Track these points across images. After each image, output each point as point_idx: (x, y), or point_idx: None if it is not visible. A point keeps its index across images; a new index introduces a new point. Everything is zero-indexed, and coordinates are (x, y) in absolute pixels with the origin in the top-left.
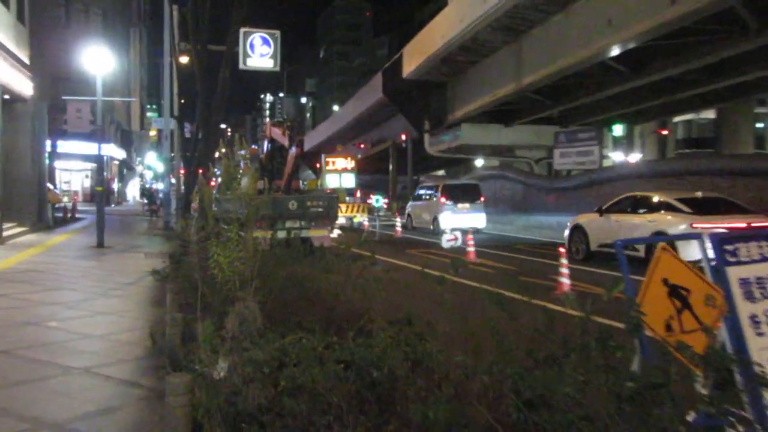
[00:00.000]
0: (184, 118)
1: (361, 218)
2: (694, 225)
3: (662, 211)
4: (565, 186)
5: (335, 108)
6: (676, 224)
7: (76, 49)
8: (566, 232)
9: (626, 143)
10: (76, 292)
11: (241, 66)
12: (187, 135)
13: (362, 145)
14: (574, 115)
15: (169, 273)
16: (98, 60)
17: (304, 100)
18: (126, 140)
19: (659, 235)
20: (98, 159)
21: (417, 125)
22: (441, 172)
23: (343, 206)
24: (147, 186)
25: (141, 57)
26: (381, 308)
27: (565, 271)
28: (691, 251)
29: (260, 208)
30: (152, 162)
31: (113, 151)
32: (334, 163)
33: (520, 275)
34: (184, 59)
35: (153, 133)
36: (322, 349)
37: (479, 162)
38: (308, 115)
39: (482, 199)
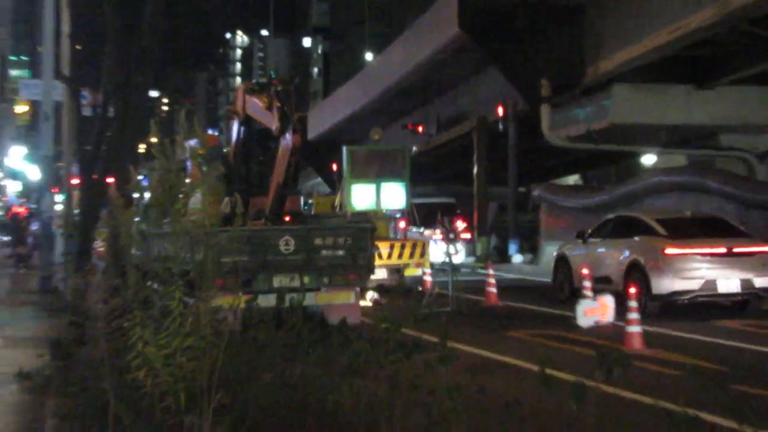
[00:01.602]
0: (81, 80)
1: (420, 269)
2: (667, 251)
3: (640, 235)
4: None
5: (368, 57)
6: (649, 251)
7: None
8: (552, 265)
9: None
10: None
11: None
12: (87, 112)
13: (420, 129)
14: None
15: (52, 378)
16: None
17: (308, 43)
18: None
19: (635, 264)
20: None
21: (525, 88)
22: (573, 179)
23: (383, 246)
24: (8, 208)
25: None
26: None
27: None
28: (669, 284)
29: (226, 252)
30: (19, 164)
31: None
32: (366, 163)
33: (732, 380)
34: None
35: (21, 108)
36: None
37: (649, 159)
38: (315, 71)
39: (461, 223)
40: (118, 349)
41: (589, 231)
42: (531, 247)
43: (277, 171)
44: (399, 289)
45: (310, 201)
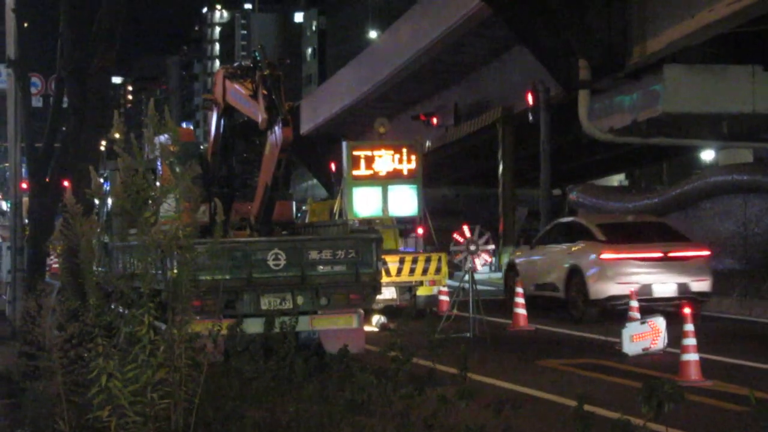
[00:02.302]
0: (30, 64)
1: (435, 288)
2: (603, 256)
3: (581, 241)
4: None
5: (372, 35)
6: (587, 256)
7: None
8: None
9: None
10: None
11: None
12: (38, 102)
13: (434, 120)
14: None
15: (0, 417)
16: None
17: (300, 18)
18: None
19: (575, 270)
20: None
21: (560, 71)
22: (617, 180)
23: (392, 261)
24: None
25: None
26: None
27: None
28: (605, 289)
29: (204, 269)
30: None
31: None
32: (369, 161)
33: None
34: None
35: None
36: None
37: (708, 155)
38: (309, 51)
39: (421, 231)
40: (77, 384)
41: (537, 237)
42: None
43: (265, 171)
44: (410, 312)
45: (303, 207)
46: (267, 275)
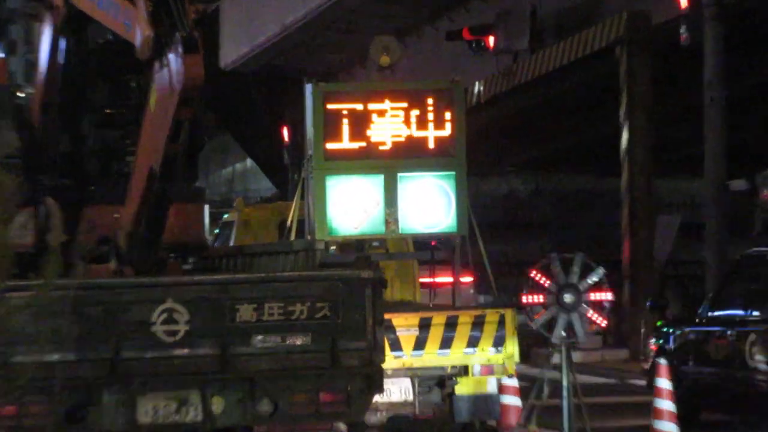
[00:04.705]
0: None
1: (491, 378)
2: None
3: None
4: None
5: None
6: None
7: None
8: None
9: None
10: None
11: None
12: None
13: (490, 41)
14: None
15: None
16: None
17: None
18: None
19: None
20: None
21: None
22: None
23: (404, 324)
24: None
25: None
26: None
27: None
28: None
29: (24, 340)
30: None
31: None
32: (359, 123)
33: None
34: None
35: None
36: None
37: None
38: None
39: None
40: None
41: None
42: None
43: (148, 144)
44: (442, 428)
45: (226, 216)
46: (152, 354)
